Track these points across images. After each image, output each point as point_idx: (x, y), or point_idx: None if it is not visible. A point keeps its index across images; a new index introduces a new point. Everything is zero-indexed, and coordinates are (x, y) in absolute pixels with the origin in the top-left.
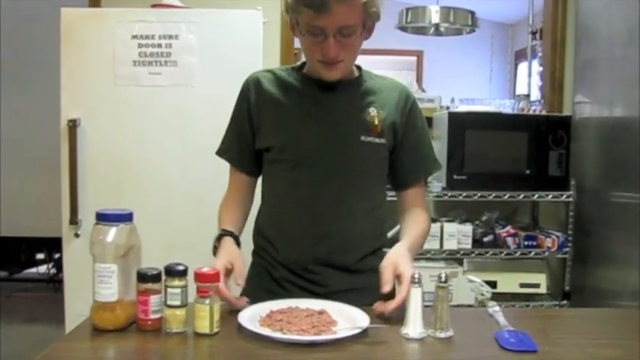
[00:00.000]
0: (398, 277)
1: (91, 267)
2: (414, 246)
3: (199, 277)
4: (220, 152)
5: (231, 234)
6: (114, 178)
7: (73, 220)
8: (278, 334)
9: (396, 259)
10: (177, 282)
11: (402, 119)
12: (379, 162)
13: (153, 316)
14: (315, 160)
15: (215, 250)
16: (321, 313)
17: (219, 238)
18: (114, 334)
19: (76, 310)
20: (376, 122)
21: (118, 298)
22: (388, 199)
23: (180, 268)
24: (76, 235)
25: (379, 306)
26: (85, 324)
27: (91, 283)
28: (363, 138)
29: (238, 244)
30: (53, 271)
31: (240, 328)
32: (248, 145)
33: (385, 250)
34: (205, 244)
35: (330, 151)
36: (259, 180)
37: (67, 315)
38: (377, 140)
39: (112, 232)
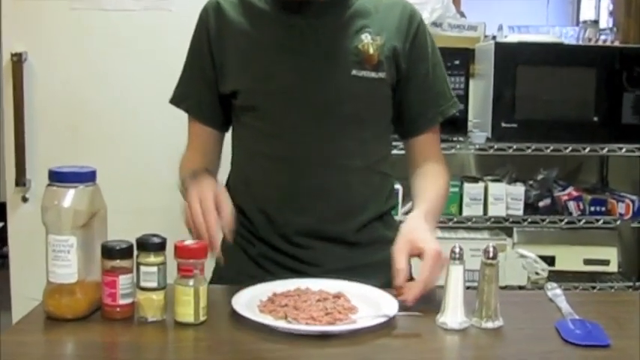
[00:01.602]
0: (419, 256)
1: (44, 240)
2: (432, 212)
3: (181, 251)
4: (176, 100)
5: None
6: (71, 126)
7: (20, 181)
8: (282, 324)
9: (411, 235)
10: (152, 258)
11: (405, 45)
12: (379, 102)
13: (122, 302)
14: (294, 105)
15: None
16: (338, 296)
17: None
18: (73, 324)
19: (25, 294)
20: (371, 51)
21: (78, 279)
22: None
23: (157, 240)
24: (24, 200)
25: (401, 288)
26: (37, 311)
27: (44, 259)
28: (355, 72)
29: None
30: None
31: (234, 316)
32: (210, 90)
33: (396, 217)
34: None
35: (313, 92)
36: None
37: (14, 300)
38: (373, 74)
39: (69, 196)
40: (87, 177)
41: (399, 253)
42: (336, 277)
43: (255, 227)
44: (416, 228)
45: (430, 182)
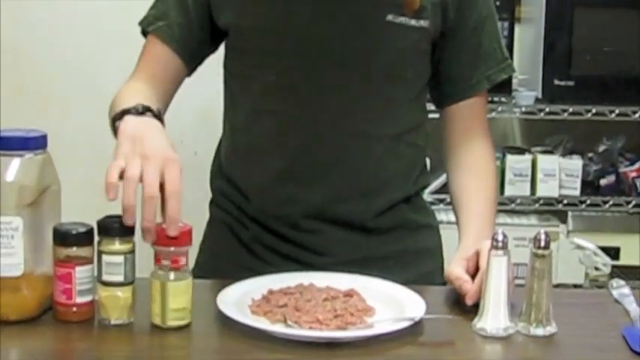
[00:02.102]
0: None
1: None
2: (484, 233)
3: (159, 237)
4: (146, 22)
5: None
6: (14, 80)
7: None
8: (279, 328)
9: (463, 259)
10: (117, 246)
11: None
12: (417, 57)
13: (79, 300)
14: (311, 51)
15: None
16: (350, 294)
17: (125, 114)
18: (18, 327)
19: None
20: None
21: (24, 272)
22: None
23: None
24: None
25: (463, 282)
26: None
27: None
28: (391, 18)
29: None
30: None
31: (220, 318)
32: (196, 19)
33: (425, 199)
34: None
35: (336, 37)
36: (221, 100)
37: None
38: (413, 22)
39: (13, 167)
40: (36, 143)
41: (453, 267)
42: (348, 271)
43: (250, 205)
44: (464, 258)
45: (477, 188)
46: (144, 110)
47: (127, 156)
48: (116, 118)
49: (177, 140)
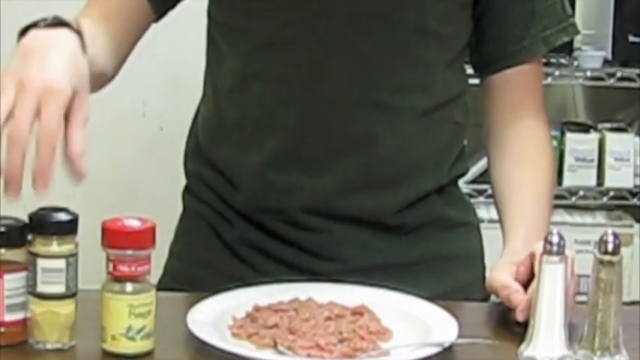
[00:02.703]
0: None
1: None
2: (536, 234)
3: (114, 236)
4: None
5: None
6: None
7: None
8: (269, 355)
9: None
10: (56, 247)
11: None
12: (454, 9)
13: (8, 318)
14: (324, 2)
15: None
16: (359, 312)
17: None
18: None
19: None
20: None
21: None
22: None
23: (63, 217)
24: None
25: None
26: None
27: None
28: None
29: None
30: None
31: (192, 342)
32: None
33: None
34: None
35: None
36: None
37: None
38: None
39: None
40: None
41: (498, 273)
42: (359, 281)
43: (237, 195)
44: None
45: (528, 179)
46: (57, 23)
47: (5, 85)
48: (21, 34)
49: (139, 112)
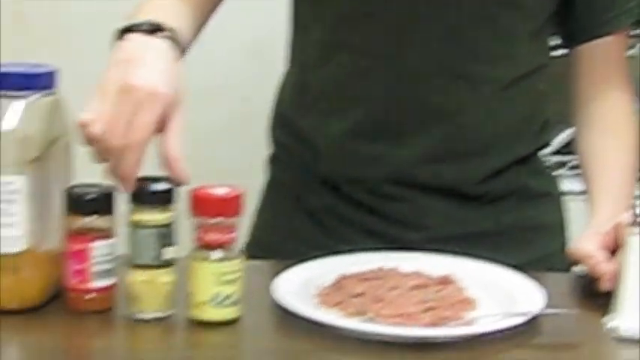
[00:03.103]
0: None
1: None
2: (623, 206)
3: (202, 204)
4: None
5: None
6: (13, 12)
7: None
8: (355, 324)
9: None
10: (152, 215)
11: None
12: None
13: (97, 284)
14: None
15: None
16: (445, 281)
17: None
18: (17, 318)
19: None
20: None
21: (27, 247)
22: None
23: (161, 186)
24: None
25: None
26: None
27: None
28: None
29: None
30: None
31: (278, 310)
32: None
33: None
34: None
35: None
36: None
37: None
38: None
39: (13, 112)
40: (43, 81)
41: (583, 242)
42: (444, 250)
43: (321, 164)
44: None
45: (615, 150)
46: (153, 29)
47: (105, 91)
48: (117, 38)
49: (221, 83)
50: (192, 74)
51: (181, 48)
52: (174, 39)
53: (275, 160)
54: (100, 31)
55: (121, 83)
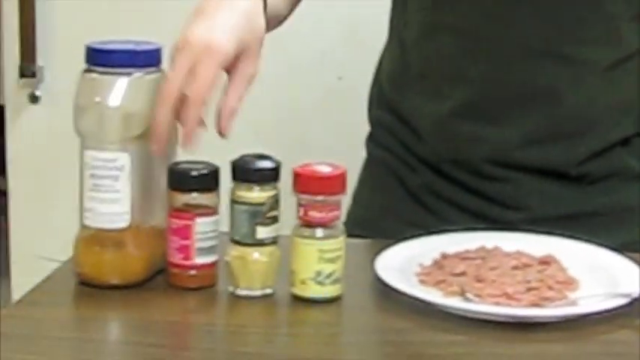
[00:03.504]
0: None
1: (65, 163)
2: None
3: (306, 181)
4: None
5: None
6: None
7: (27, 70)
8: (456, 302)
9: None
10: (257, 193)
11: None
12: None
13: (200, 260)
14: None
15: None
16: (547, 261)
17: None
18: (121, 293)
19: (31, 248)
20: None
21: (130, 224)
22: None
23: (266, 164)
24: (32, 99)
25: None
26: (61, 275)
27: (72, 192)
28: None
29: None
30: None
31: (379, 288)
32: None
33: None
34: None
35: None
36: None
37: (15, 259)
38: None
39: (118, 89)
40: (147, 59)
41: None
42: (544, 230)
43: (421, 144)
44: None
45: None
46: None
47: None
48: None
49: (317, 61)
50: (289, 51)
51: (267, 4)
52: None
53: (374, 139)
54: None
55: (181, 38)
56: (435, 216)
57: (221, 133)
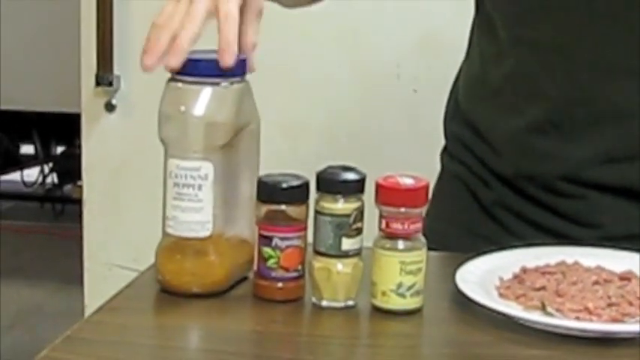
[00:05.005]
0: None
1: (142, 172)
2: None
3: (389, 194)
4: None
5: None
6: None
7: (103, 78)
8: (537, 317)
9: None
10: (343, 204)
11: None
12: None
13: (286, 274)
14: None
15: None
16: (627, 277)
17: None
18: (203, 302)
19: (104, 257)
20: None
21: (212, 232)
22: None
23: (352, 176)
24: (109, 108)
25: None
26: (143, 282)
27: (146, 201)
28: None
29: None
30: (51, 179)
31: (459, 300)
32: None
33: None
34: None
35: None
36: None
37: (88, 267)
38: None
39: (202, 98)
40: (233, 68)
41: None
42: (622, 247)
43: (497, 158)
44: None
45: None
46: None
47: None
48: None
49: (393, 74)
50: (366, 64)
51: None
52: None
53: (449, 153)
54: (281, 22)
55: None
56: (507, 232)
57: (249, 68)
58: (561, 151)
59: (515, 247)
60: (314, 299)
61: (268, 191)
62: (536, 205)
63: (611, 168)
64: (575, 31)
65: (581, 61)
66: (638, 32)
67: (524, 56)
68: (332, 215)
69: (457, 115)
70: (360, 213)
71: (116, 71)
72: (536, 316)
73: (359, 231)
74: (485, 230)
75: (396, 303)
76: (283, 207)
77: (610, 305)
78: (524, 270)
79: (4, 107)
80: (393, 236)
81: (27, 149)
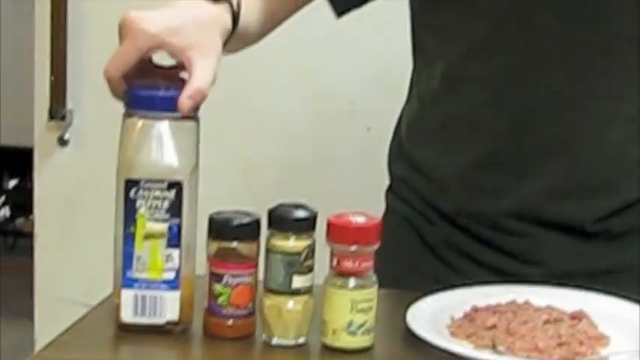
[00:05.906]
0: None
1: (89, 205)
2: None
3: (339, 231)
4: None
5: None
6: None
7: (56, 112)
8: (488, 355)
9: None
10: (293, 242)
11: None
12: None
13: (236, 312)
14: (532, 2)
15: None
16: (577, 317)
17: None
18: (156, 340)
19: (55, 291)
20: None
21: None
22: None
23: (303, 213)
24: (61, 142)
25: None
26: (94, 317)
27: (98, 236)
28: None
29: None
30: (3, 213)
31: (409, 341)
32: None
33: None
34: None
35: None
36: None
37: (39, 302)
38: None
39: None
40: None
41: None
42: (575, 285)
43: (441, 197)
44: None
45: None
46: None
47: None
48: None
49: (346, 111)
50: (320, 101)
51: (237, 27)
52: (235, 12)
53: (393, 192)
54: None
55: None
56: (453, 271)
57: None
58: (506, 188)
59: (466, 285)
60: (265, 337)
61: (219, 228)
62: (482, 244)
63: (557, 204)
64: (518, 69)
65: (527, 97)
66: (584, 68)
67: (468, 93)
68: (283, 253)
69: (401, 155)
70: (311, 251)
71: (69, 105)
72: (487, 355)
73: (310, 268)
74: (432, 270)
75: (346, 341)
76: (234, 244)
77: (561, 344)
78: (475, 309)
79: None
80: (344, 274)
81: None
